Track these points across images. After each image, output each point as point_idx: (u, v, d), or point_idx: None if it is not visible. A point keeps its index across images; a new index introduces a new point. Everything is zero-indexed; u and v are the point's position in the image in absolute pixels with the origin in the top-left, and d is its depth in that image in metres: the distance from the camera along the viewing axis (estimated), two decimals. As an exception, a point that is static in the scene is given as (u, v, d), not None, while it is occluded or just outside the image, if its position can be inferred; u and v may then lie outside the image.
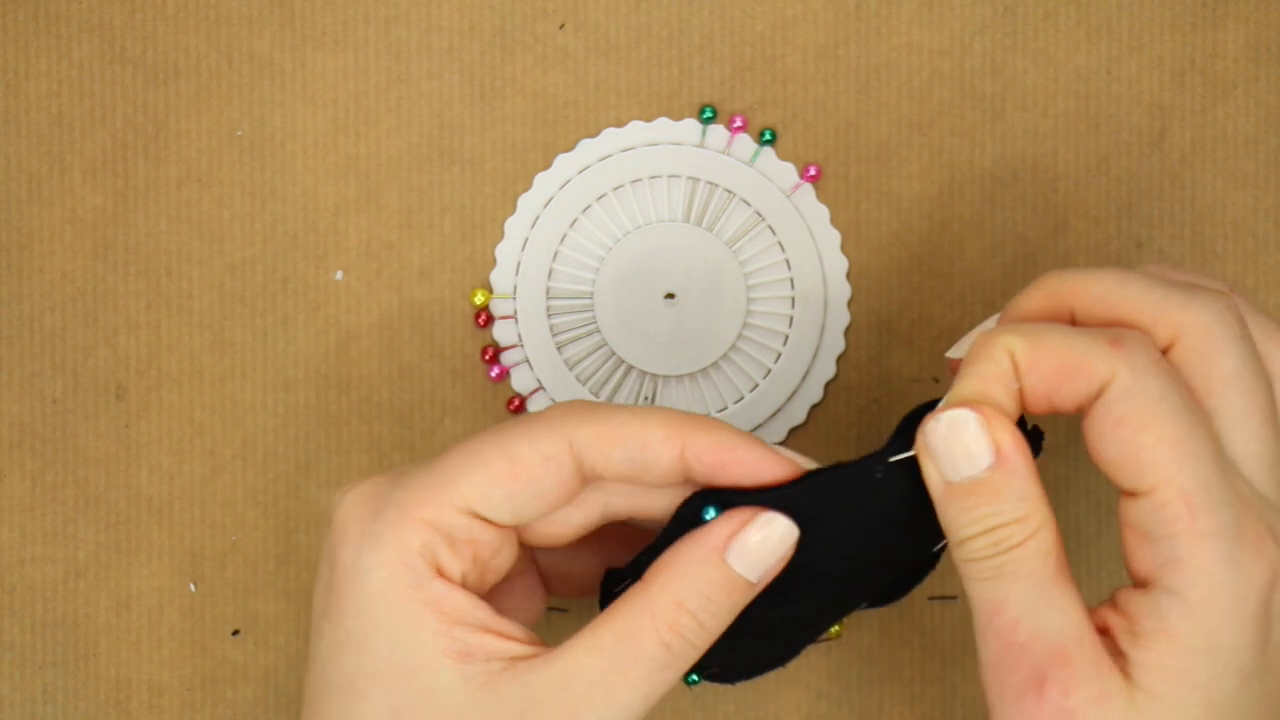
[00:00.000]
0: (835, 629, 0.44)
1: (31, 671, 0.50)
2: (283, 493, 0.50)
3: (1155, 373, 0.36)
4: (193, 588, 0.50)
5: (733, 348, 0.49)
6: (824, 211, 0.50)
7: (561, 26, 0.50)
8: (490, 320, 0.50)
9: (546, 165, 0.50)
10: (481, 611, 0.38)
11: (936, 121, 0.50)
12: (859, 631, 0.49)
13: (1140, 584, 0.37)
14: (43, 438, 0.50)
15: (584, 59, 0.50)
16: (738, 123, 0.50)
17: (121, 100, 0.50)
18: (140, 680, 0.50)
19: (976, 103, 0.50)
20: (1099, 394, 0.37)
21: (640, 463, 0.38)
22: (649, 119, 0.50)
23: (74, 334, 0.50)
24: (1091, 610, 0.37)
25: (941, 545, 0.40)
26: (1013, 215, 0.50)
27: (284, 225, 0.50)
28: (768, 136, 0.50)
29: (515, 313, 0.50)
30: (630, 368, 0.49)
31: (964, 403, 0.37)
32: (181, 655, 0.50)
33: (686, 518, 0.39)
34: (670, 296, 0.50)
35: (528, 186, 0.50)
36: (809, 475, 0.39)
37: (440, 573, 0.38)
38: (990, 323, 0.41)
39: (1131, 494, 0.36)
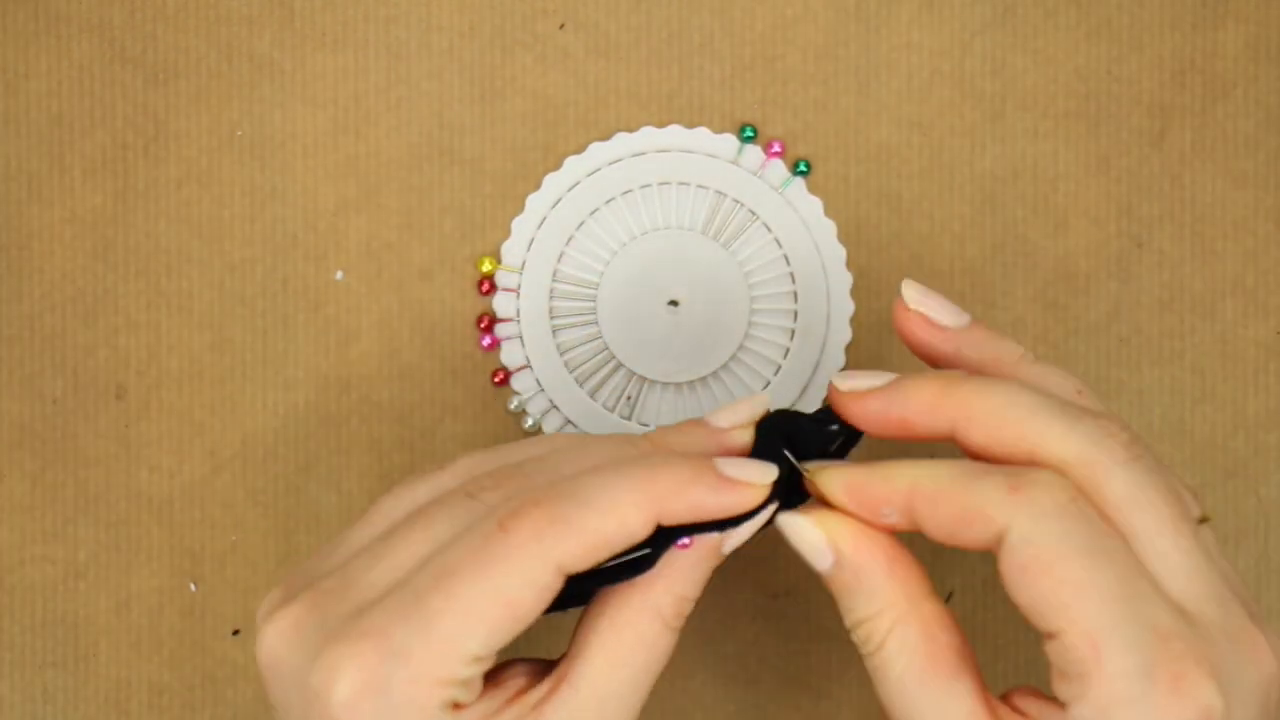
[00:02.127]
0: None
1: (31, 671, 0.50)
2: (283, 493, 0.50)
3: (1056, 515, 0.36)
4: (193, 588, 0.50)
5: (723, 367, 0.50)
6: (842, 253, 0.50)
7: (561, 26, 0.50)
8: (493, 289, 0.50)
9: (547, 165, 0.50)
10: (496, 698, 0.38)
11: (936, 121, 0.50)
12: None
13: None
14: (43, 438, 0.50)
15: (584, 59, 0.50)
16: (775, 148, 0.50)
17: (121, 100, 0.50)
18: (140, 680, 0.50)
19: (976, 103, 0.50)
20: (1001, 539, 0.36)
21: (622, 546, 0.38)
22: (662, 124, 0.50)
23: (74, 334, 0.50)
24: (1009, 694, 0.38)
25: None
26: (1013, 215, 0.50)
27: (284, 225, 0.50)
28: (802, 168, 0.50)
29: (519, 287, 0.50)
30: (620, 365, 0.49)
31: (818, 501, 0.39)
32: (181, 655, 0.50)
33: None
34: (673, 304, 0.50)
35: (527, 187, 0.50)
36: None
37: (457, 706, 0.38)
38: (876, 381, 0.40)
39: (1045, 635, 0.36)
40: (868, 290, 0.50)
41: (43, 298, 0.50)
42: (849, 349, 0.50)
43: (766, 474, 0.39)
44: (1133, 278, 0.50)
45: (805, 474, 0.40)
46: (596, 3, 0.50)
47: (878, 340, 0.50)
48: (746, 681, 0.49)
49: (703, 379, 0.50)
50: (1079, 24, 0.50)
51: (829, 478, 0.39)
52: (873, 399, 0.39)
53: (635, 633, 0.38)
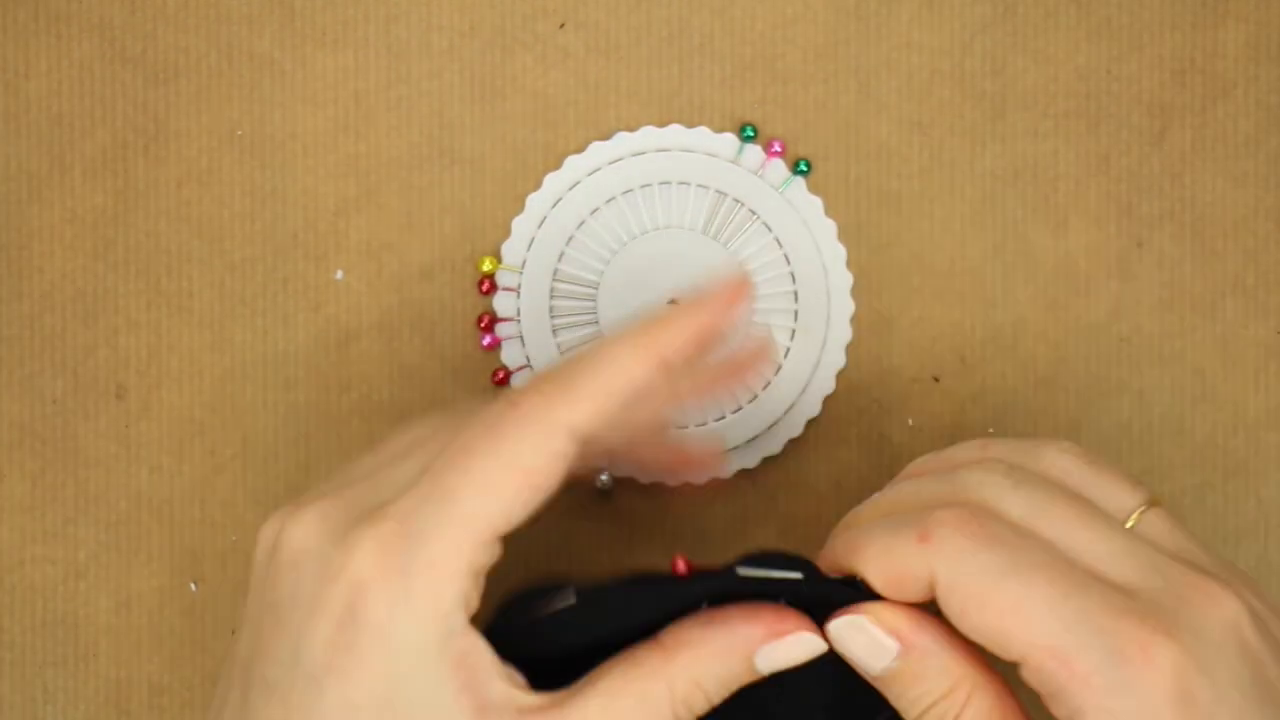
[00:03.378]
0: None
1: (31, 671, 0.50)
2: (283, 493, 0.50)
3: (971, 549, 0.36)
4: (193, 588, 0.50)
5: (725, 363, 0.50)
6: (842, 252, 0.50)
7: (561, 26, 0.50)
8: (493, 289, 0.50)
9: (547, 165, 0.50)
10: (490, 654, 0.38)
11: (936, 121, 0.50)
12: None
13: None
14: (43, 438, 0.50)
15: (584, 59, 0.50)
16: (775, 147, 0.50)
17: (121, 100, 0.50)
18: (140, 680, 0.50)
19: (976, 103, 0.50)
20: (932, 589, 0.37)
21: (634, 402, 0.38)
22: (664, 124, 0.50)
23: (74, 334, 0.50)
24: None
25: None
26: (1013, 215, 0.50)
27: (284, 225, 0.50)
28: (803, 167, 0.50)
29: (519, 286, 0.50)
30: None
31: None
32: (181, 655, 0.50)
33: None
34: (674, 304, 0.50)
35: (527, 187, 0.50)
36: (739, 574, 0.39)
37: (468, 612, 0.37)
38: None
39: (1015, 666, 0.36)
40: (868, 290, 0.50)
41: (43, 298, 0.50)
42: (849, 349, 0.50)
43: (744, 282, 0.40)
44: (1133, 278, 0.50)
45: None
46: (596, 3, 0.50)
47: (878, 340, 0.50)
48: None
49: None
50: (1079, 24, 0.50)
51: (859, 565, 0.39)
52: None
53: (639, 692, 0.37)
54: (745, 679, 0.38)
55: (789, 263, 0.50)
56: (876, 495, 0.41)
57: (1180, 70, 0.50)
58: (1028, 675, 0.36)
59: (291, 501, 0.39)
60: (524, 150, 0.50)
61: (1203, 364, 0.50)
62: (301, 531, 0.38)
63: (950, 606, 0.36)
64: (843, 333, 0.50)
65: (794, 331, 0.50)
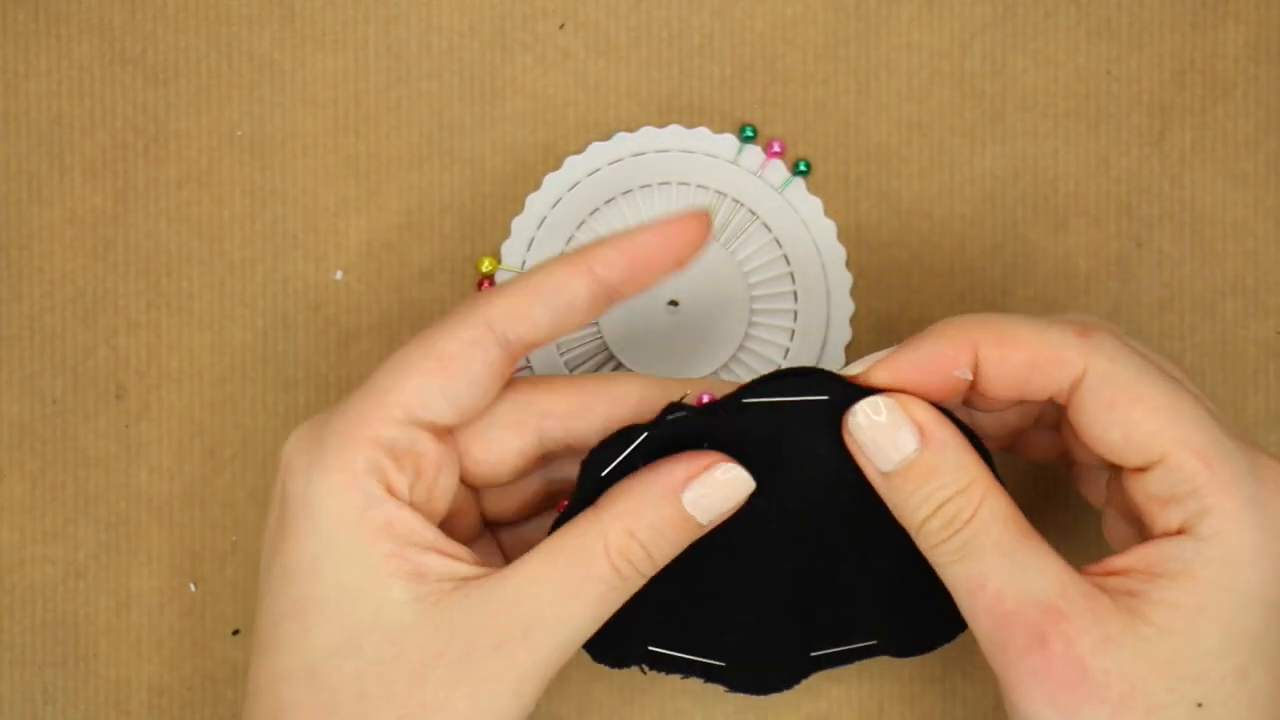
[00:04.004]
0: None
1: (31, 671, 0.50)
2: (283, 493, 0.50)
3: (1127, 352, 0.38)
4: (193, 588, 0.50)
5: (724, 367, 0.50)
6: (842, 252, 0.50)
7: (561, 26, 0.50)
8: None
9: (547, 165, 0.50)
10: (431, 533, 0.39)
11: (936, 121, 0.50)
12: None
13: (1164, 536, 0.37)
14: (43, 438, 0.50)
15: (584, 59, 0.50)
16: (775, 148, 0.50)
17: (121, 100, 0.50)
18: (140, 680, 0.50)
19: (976, 103, 0.50)
20: (1076, 384, 0.37)
21: (559, 308, 0.39)
22: (662, 124, 0.50)
23: (74, 334, 0.50)
24: (1100, 562, 0.38)
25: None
26: (1013, 215, 0.50)
27: (284, 225, 0.50)
28: (802, 168, 0.50)
29: None
30: (620, 365, 0.49)
31: (878, 385, 0.38)
32: (181, 655, 0.50)
33: (623, 441, 0.39)
34: (673, 304, 0.50)
35: (527, 187, 0.50)
36: (743, 403, 0.39)
37: (390, 490, 0.38)
38: (885, 353, 0.40)
39: (1141, 469, 0.37)
40: (868, 290, 0.50)
41: (43, 298, 0.50)
42: (849, 349, 0.50)
43: (702, 216, 0.39)
44: (1133, 278, 0.50)
45: (850, 379, 0.39)
46: (596, 3, 0.50)
47: (878, 340, 0.50)
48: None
49: (703, 379, 0.49)
50: (1079, 24, 0.50)
51: (889, 365, 0.38)
52: (900, 359, 0.39)
53: (575, 546, 0.38)
54: (684, 528, 0.39)
55: (789, 263, 0.50)
56: (1000, 319, 0.39)
57: (1180, 70, 0.50)
58: (1158, 479, 0.37)
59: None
60: (524, 150, 0.50)
61: (1203, 364, 0.50)
62: (292, 440, 0.40)
63: (1099, 398, 0.37)
64: (843, 333, 0.50)
65: (794, 332, 0.50)
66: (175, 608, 0.50)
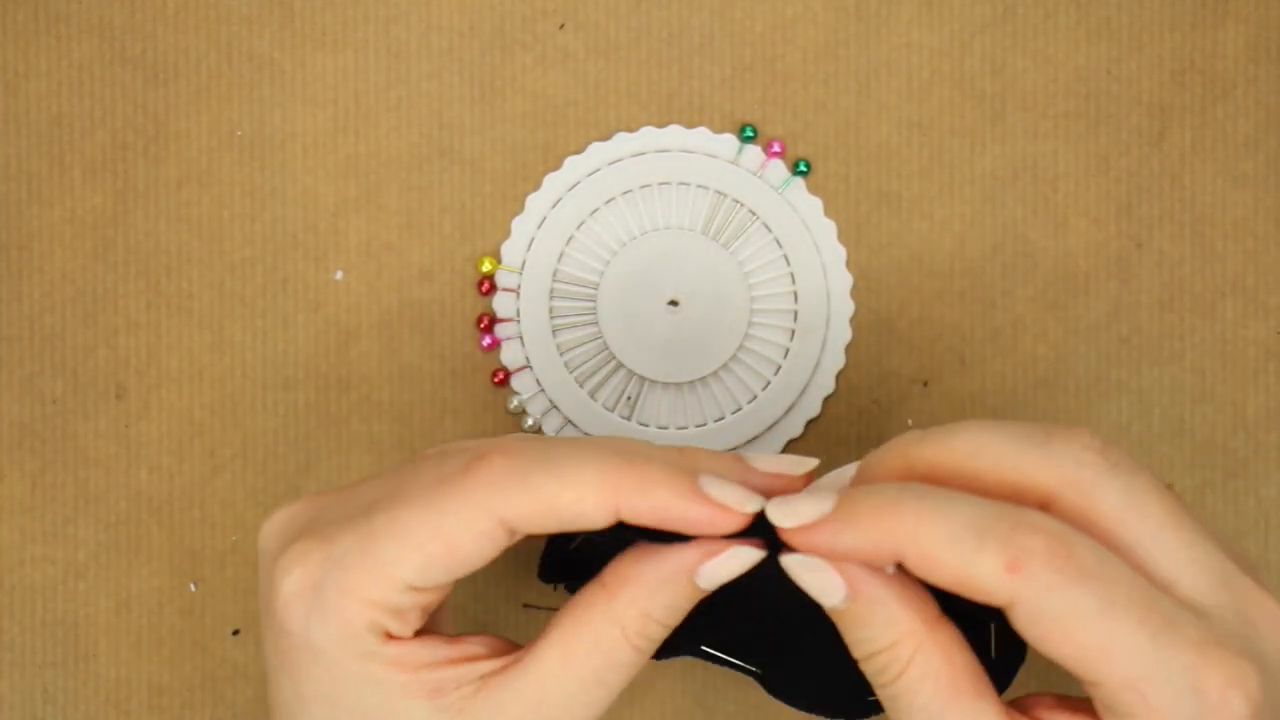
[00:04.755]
0: None
1: (31, 671, 0.50)
2: (283, 493, 0.50)
3: (1061, 585, 0.35)
4: (193, 588, 0.50)
5: (724, 367, 0.49)
6: (842, 253, 0.50)
7: (561, 26, 0.50)
8: (493, 289, 0.50)
9: (547, 165, 0.50)
10: (442, 650, 0.38)
11: (936, 121, 0.50)
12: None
13: None
14: (43, 438, 0.50)
15: (584, 59, 0.50)
16: (775, 148, 0.50)
17: (121, 100, 0.50)
18: (140, 680, 0.50)
19: (976, 103, 0.50)
20: (1010, 608, 0.36)
21: (572, 522, 0.38)
22: (662, 124, 0.50)
23: (74, 334, 0.50)
24: (1026, 703, 0.37)
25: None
26: (1013, 215, 0.50)
27: (284, 225, 0.50)
28: (802, 168, 0.50)
29: (519, 287, 0.50)
30: (620, 365, 0.49)
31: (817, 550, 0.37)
32: (181, 655, 0.50)
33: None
34: (673, 304, 0.50)
35: (527, 187, 0.50)
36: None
37: (390, 637, 0.38)
38: (850, 469, 0.39)
39: (1084, 682, 0.36)
40: (868, 290, 0.50)
41: (43, 298, 0.50)
42: (849, 349, 0.50)
43: (747, 502, 0.37)
44: (1133, 278, 0.50)
45: (782, 532, 0.37)
46: (596, 3, 0.50)
47: (877, 340, 0.50)
48: (746, 682, 0.49)
49: (703, 379, 0.50)
50: (1079, 24, 0.50)
51: (812, 538, 0.37)
52: (819, 533, 0.37)
53: (592, 636, 0.38)
54: (695, 598, 0.38)
55: (789, 263, 0.50)
56: (954, 441, 0.38)
57: (1180, 70, 0.50)
58: (1098, 694, 0.36)
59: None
60: (524, 150, 0.50)
61: (1203, 364, 0.50)
62: (268, 529, 0.40)
63: (1029, 631, 0.35)
64: (842, 333, 0.50)
65: (794, 332, 0.50)
66: (175, 608, 0.50)
